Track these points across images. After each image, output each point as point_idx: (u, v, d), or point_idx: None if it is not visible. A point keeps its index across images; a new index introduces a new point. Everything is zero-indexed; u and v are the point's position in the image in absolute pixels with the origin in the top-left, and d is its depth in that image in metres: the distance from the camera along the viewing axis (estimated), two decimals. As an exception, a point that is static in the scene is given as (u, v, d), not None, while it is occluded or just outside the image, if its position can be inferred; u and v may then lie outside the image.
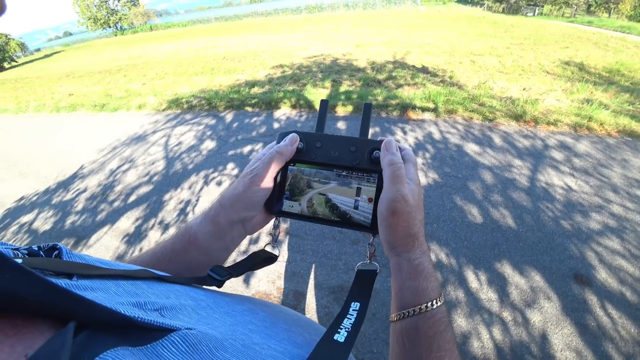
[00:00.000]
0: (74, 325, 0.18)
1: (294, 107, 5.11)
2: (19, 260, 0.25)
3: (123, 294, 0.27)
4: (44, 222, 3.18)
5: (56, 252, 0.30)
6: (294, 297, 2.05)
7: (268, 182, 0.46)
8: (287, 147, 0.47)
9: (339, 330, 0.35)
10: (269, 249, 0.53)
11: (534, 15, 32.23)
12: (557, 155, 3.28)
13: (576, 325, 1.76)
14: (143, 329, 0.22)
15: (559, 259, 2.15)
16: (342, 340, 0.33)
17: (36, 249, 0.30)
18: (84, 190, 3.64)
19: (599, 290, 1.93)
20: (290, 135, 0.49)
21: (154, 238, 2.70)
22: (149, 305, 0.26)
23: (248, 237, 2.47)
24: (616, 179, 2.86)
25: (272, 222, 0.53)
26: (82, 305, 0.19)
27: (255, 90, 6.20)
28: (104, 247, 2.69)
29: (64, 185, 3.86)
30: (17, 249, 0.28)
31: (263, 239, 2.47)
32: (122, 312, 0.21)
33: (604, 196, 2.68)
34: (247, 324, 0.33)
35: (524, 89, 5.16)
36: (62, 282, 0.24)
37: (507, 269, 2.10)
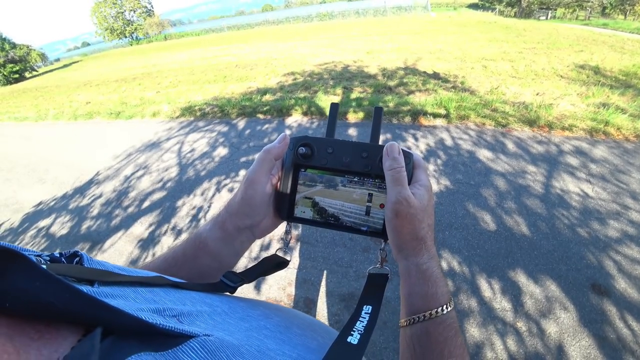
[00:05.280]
0: (100, 331, 0.19)
1: (305, 114, 5.14)
2: (43, 267, 0.26)
3: (142, 301, 0.28)
4: (60, 226, 3.26)
5: (77, 258, 0.31)
6: (304, 304, 2.05)
7: (262, 183, 0.46)
8: (274, 145, 0.47)
9: (352, 332, 0.35)
10: (280, 253, 0.53)
11: (546, 18, 31.88)
12: (573, 161, 3.21)
13: (594, 336, 1.71)
14: (163, 335, 0.23)
15: (576, 267, 2.09)
16: (355, 342, 0.33)
17: (58, 255, 0.31)
18: (100, 196, 3.73)
19: (618, 301, 1.87)
20: (281, 134, 0.49)
21: (166, 243, 2.74)
22: (167, 312, 0.27)
23: (259, 242, 2.50)
24: (635, 185, 2.78)
25: (283, 227, 0.53)
26: (108, 312, 0.20)
27: (267, 97, 6.26)
28: (118, 252, 2.74)
29: (81, 190, 3.95)
30: (39, 255, 0.29)
31: (274, 245, 2.48)
32: (144, 319, 0.22)
33: (623, 203, 2.60)
34: (262, 329, 0.34)
35: (537, 94, 5.08)
36: (85, 289, 0.25)
37: (521, 278, 2.06)
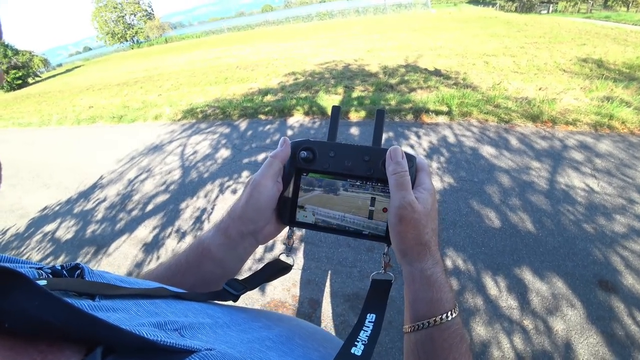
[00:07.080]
0: (101, 351, 0.19)
1: (306, 114, 5.14)
2: (44, 282, 0.26)
3: (144, 314, 0.27)
4: (66, 231, 3.28)
5: (78, 271, 0.31)
6: (309, 305, 2.05)
7: (268, 187, 0.46)
8: (277, 150, 0.48)
9: (355, 343, 0.34)
10: (283, 258, 0.53)
11: (548, 12, 31.59)
12: (577, 156, 3.18)
13: (602, 334, 1.69)
14: (165, 351, 0.22)
15: (582, 264, 2.08)
16: (359, 353, 0.33)
17: (59, 268, 0.31)
18: (104, 200, 3.75)
19: (625, 297, 1.85)
20: (281, 138, 0.49)
21: (171, 246, 2.75)
22: (169, 325, 0.27)
23: (263, 244, 2.50)
24: (641, 180, 2.76)
25: (286, 231, 0.53)
26: (109, 330, 0.19)
27: (268, 98, 6.27)
28: (122, 255, 2.75)
29: (85, 195, 3.98)
30: (40, 268, 0.29)
31: (278, 247, 2.48)
32: (145, 335, 0.21)
33: (629, 197, 2.58)
34: (264, 340, 0.33)
35: (540, 89, 5.04)
36: (86, 304, 0.25)
37: (527, 275, 2.04)
